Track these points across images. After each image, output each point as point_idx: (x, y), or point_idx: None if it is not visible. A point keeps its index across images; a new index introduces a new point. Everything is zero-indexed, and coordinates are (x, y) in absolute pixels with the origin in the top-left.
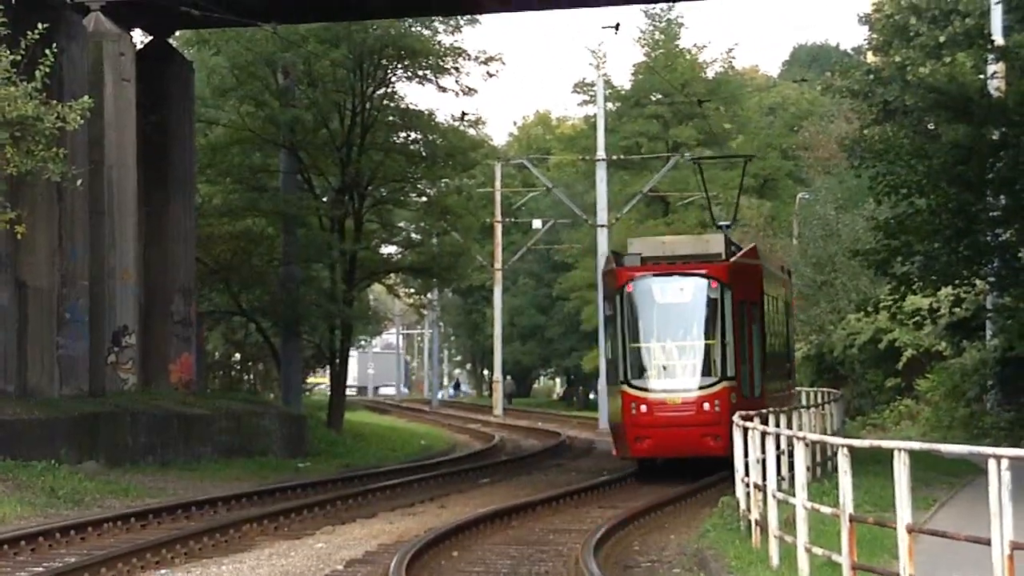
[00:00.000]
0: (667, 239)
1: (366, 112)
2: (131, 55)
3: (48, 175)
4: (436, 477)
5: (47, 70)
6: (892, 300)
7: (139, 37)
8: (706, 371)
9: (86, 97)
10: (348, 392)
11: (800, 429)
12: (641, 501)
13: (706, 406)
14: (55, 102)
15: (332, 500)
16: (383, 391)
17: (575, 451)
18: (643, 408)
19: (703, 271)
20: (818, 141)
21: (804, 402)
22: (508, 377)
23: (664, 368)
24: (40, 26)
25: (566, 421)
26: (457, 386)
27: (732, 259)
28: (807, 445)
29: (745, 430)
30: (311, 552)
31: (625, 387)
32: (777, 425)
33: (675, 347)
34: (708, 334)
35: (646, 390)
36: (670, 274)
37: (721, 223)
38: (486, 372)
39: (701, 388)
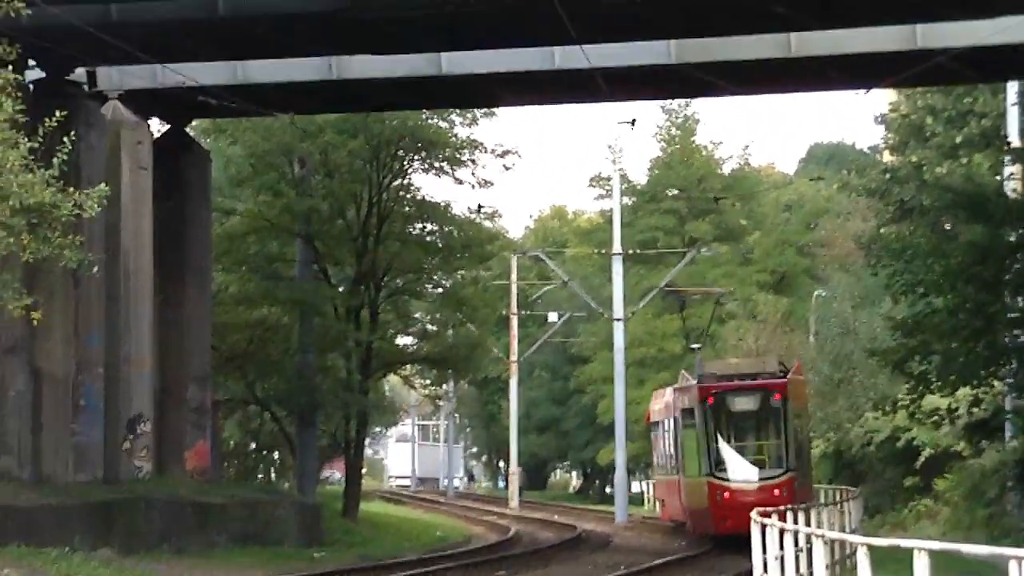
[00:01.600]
0: (732, 361)
1: (382, 203)
2: (148, 143)
3: (65, 262)
4: (453, 569)
5: (65, 157)
6: (910, 399)
7: (156, 125)
8: (776, 464)
9: (103, 184)
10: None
11: (819, 526)
12: None
13: (776, 492)
14: (72, 189)
15: None
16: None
17: (592, 544)
18: (726, 495)
19: (769, 386)
20: (835, 238)
21: (822, 500)
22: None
23: (743, 463)
24: (59, 113)
25: (583, 514)
26: (471, 477)
27: (788, 376)
28: (826, 543)
29: (763, 526)
30: None
31: (710, 478)
32: (795, 522)
33: (750, 446)
34: (775, 435)
35: (729, 480)
36: (743, 389)
37: (693, 346)
38: (501, 464)
39: (773, 478)
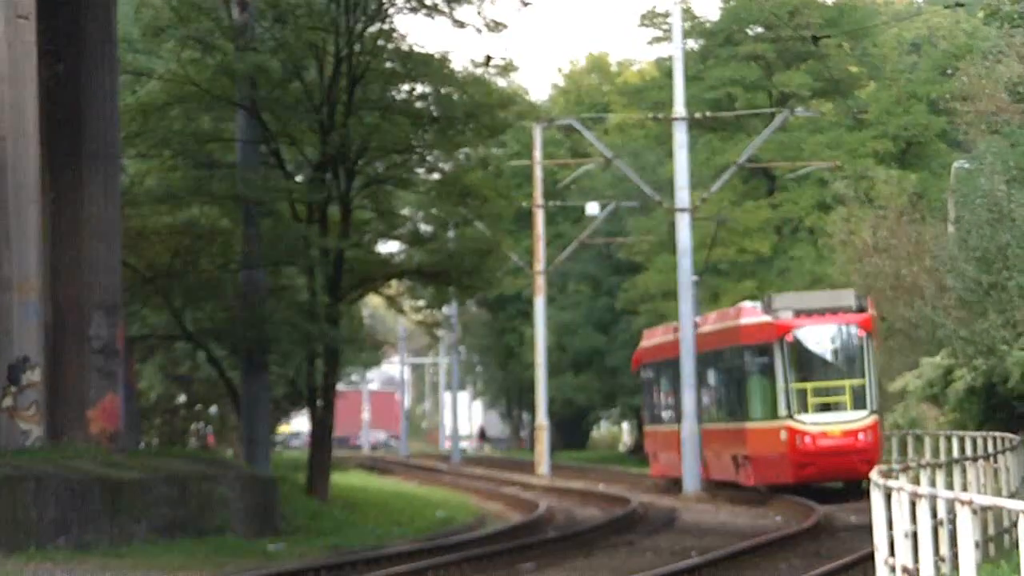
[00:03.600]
0: (803, 294)
1: (354, 57)
2: None
3: None
4: (460, 562)
5: None
6: None
7: None
8: (859, 406)
9: None
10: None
11: (964, 490)
12: None
13: (861, 436)
14: None
15: None
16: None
17: (651, 524)
18: (807, 439)
19: (854, 321)
20: (981, 89)
21: (969, 452)
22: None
23: (825, 404)
24: None
25: (638, 482)
26: (482, 435)
27: (869, 311)
28: (975, 512)
29: (888, 492)
30: None
31: (789, 421)
32: (932, 484)
33: (833, 386)
34: (859, 374)
35: (809, 423)
36: (825, 324)
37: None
38: (525, 415)
39: (857, 421)
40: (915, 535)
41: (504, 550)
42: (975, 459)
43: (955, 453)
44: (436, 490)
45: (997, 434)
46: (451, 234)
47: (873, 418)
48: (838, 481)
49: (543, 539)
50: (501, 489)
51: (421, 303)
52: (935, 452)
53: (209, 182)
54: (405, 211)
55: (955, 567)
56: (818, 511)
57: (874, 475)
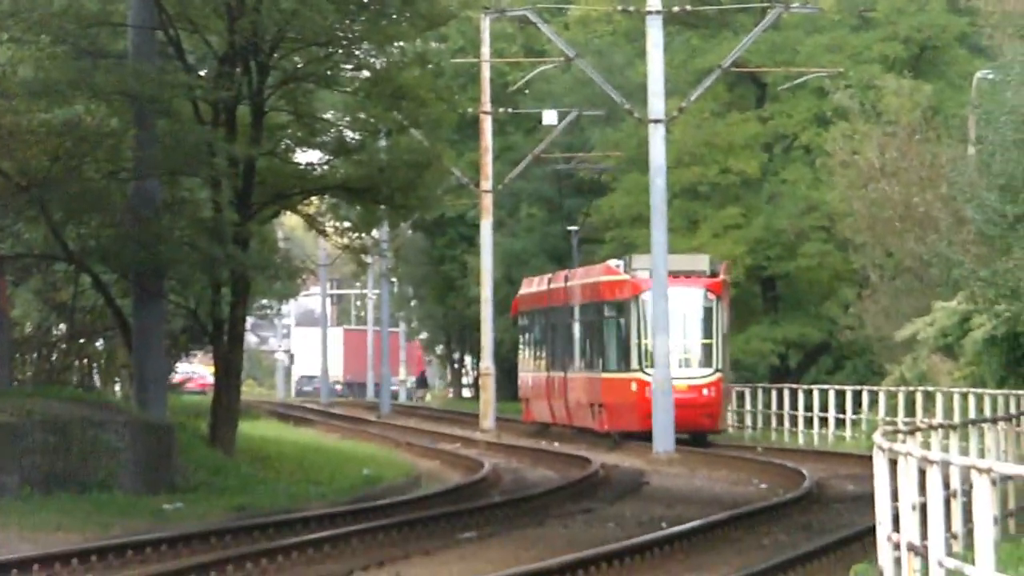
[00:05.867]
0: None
1: None
2: None
3: None
4: (388, 528)
5: None
6: None
7: None
8: (706, 364)
9: None
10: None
11: (982, 456)
12: (720, 571)
13: (705, 391)
14: None
15: (219, 564)
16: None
17: (615, 488)
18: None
19: (704, 284)
20: None
21: (988, 412)
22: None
23: (672, 361)
24: None
25: (599, 440)
26: (422, 381)
27: (721, 276)
28: (995, 482)
29: (893, 457)
30: None
31: (640, 374)
32: (944, 450)
33: (682, 344)
34: (707, 334)
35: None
36: (678, 286)
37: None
38: (468, 358)
39: (703, 377)
40: (923, 508)
41: (441, 515)
42: (995, 421)
43: (971, 413)
44: (362, 444)
45: (1020, 392)
46: (382, 143)
47: (717, 375)
48: (684, 433)
49: (487, 504)
50: (440, 445)
51: (346, 225)
52: (948, 412)
53: (95, 74)
54: (328, 115)
55: (969, 545)
56: (808, 478)
57: (878, 438)
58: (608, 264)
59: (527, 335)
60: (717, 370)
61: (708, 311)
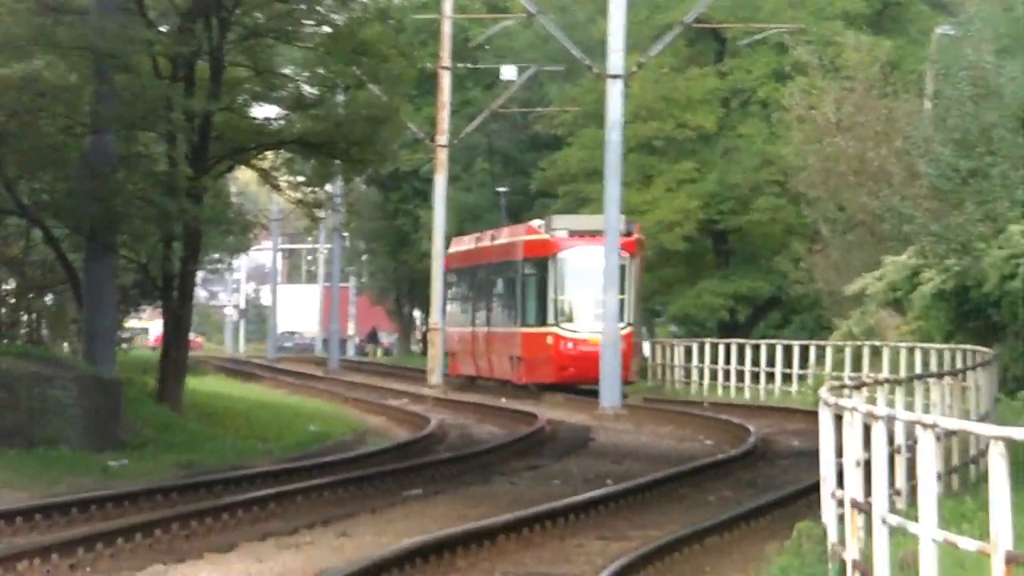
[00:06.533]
0: (580, 217)
1: None
2: None
3: None
4: (334, 485)
5: None
6: None
7: None
8: (618, 318)
9: None
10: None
11: (927, 412)
12: (666, 528)
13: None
14: None
15: (164, 522)
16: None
17: (561, 444)
18: (570, 345)
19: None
20: None
21: (935, 367)
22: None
23: (587, 315)
24: None
25: (546, 396)
26: (373, 337)
27: (635, 235)
28: (939, 438)
29: (839, 412)
30: None
31: (555, 328)
32: (890, 405)
33: (596, 299)
34: (620, 290)
35: (574, 331)
36: (593, 244)
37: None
38: (417, 313)
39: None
40: (867, 464)
41: (387, 472)
42: (941, 376)
43: (918, 368)
44: (309, 400)
45: (967, 347)
46: (340, 99)
47: (629, 329)
48: (596, 385)
49: (433, 460)
50: (387, 401)
51: (300, 179)
52: (895, 367)
53: (57, 29)
54: (287, 71)
55: (912, 502)
56: (754, 434)
57: (824, 393)
58: (530, 224)
59: (455, 291)
60: (628, 324)
61: (621, 268)
